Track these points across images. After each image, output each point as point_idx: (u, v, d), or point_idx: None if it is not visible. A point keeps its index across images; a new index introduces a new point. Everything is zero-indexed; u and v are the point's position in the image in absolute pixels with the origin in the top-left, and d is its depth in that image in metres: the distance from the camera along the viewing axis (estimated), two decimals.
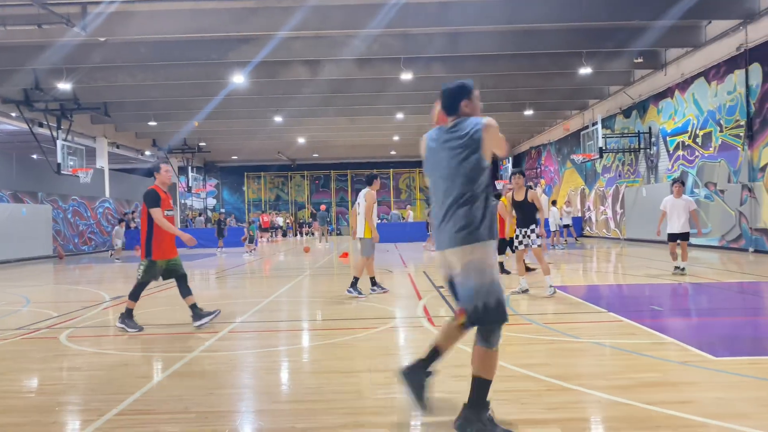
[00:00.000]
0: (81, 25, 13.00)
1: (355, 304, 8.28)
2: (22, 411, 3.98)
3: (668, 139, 19.39)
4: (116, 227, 21.48)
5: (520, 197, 8.60)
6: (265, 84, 20.28)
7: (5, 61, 16.21)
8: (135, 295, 6.67)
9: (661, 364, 4.68)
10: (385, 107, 23.92)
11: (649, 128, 20.76)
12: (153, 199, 6.54)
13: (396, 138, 33.20)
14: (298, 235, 40.80)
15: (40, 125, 21.73)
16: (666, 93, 19.34)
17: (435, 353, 3.41)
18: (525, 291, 8.67)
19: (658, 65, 19.19)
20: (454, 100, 3.34)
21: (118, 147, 28.91)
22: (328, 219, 35.96)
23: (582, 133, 23.18)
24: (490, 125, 3.20)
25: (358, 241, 9.27)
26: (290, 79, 18.99)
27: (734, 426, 3.30)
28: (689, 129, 18.04)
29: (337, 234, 40.49)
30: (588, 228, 27.30)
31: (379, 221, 29.85)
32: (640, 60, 18.52)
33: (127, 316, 6.61)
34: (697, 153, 17.67)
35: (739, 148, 15.56)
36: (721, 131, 16.39)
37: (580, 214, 27.86)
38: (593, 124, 21.63)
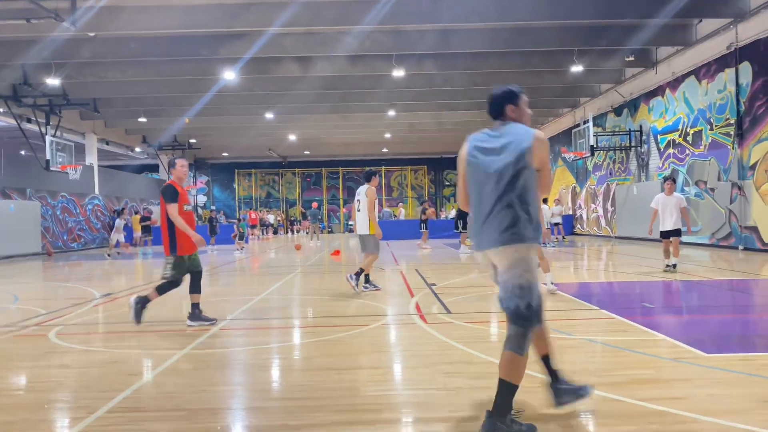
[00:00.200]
0: (70, 20, 12.85)
1: (346, 301, 8.26)
2: (10, 409, 3.93)
3: (659, 137, 19.49)
4: (117, 220, 20.62)
5: None
6: (257, 80, 20.18)
7: None
8: (162, 290, 6.56)
9: (653, 360, 4.70)
10: (376, 104, 23.83)
11: (640, 126, 20.86)
12: (171, 194, 6.47)
13: (387, 135, 33.09)
14: (289, 233, 40.71)
15: (29, 121, 21.50)
16: (657, 91, 19.44)
17: (546, 360, 3.56)
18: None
19: (649, 64, 19.28)
20: (499, 105, 3.40)
21: (107, 143, 28.67)
22: (320, 216, 35.85)
23: (573, 131, 23.26)
24: (540, 140, 3.24)
25: (357, 237, 9.27)
26: (281, 75, 18.90)
27: (726, 422, 3.32)
28: (680, 127, 18.14)
29: (329, 232, 40.40)
30: (579, 226, 27.43)
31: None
32: (631, 58, 18.59)
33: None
34: (687, 151, 17.78)
35: (729, 147, 15.67)
36: (711, 130, 16.49)
37: (571, 212, 27.97)
38: (584, 122, 21.69)
